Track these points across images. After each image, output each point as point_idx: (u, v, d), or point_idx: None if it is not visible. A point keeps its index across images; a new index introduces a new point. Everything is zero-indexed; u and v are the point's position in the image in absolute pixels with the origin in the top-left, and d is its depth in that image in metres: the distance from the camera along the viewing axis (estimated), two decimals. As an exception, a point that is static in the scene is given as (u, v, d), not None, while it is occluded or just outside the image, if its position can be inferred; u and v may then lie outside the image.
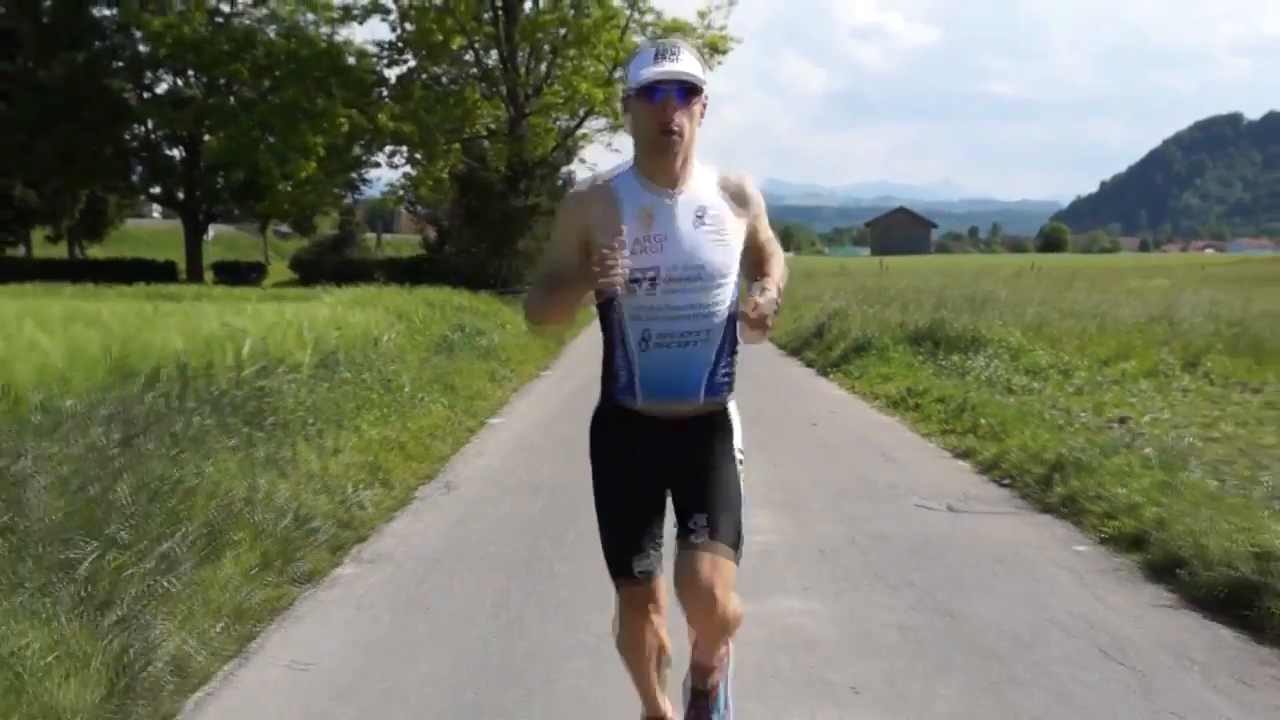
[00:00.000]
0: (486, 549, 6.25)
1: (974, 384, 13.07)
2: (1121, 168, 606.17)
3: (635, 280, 3.00)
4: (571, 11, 35.92)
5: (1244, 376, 13.80)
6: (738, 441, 3.30)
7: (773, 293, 3.09)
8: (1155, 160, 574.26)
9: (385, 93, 37.68)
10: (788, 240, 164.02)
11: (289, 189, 37.92)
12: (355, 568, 5.87)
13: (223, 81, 42.04)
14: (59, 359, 6.86)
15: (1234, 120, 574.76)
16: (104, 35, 45.58)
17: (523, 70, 36.21)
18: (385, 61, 37.49)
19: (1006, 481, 8.26)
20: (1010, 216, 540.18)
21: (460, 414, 10.95)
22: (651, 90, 2.96)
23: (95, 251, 57.08)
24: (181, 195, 47.15)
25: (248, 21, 43.27)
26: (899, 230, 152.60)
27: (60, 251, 57.46)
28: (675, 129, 2.97)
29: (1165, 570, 5.78)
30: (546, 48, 36.56)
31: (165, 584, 4.46)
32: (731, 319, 3.15)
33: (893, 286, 30.44)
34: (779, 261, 3.33)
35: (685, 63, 2.98)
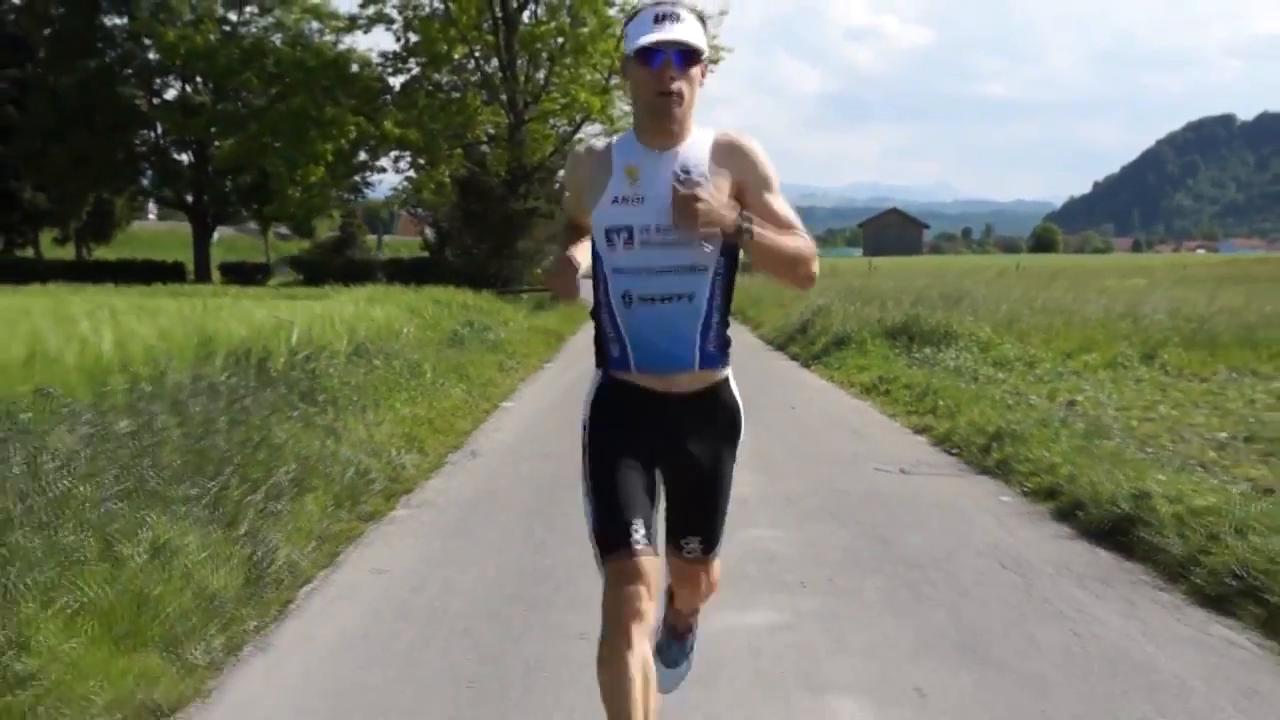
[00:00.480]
0: (511, 498, 7.58)
1: (941, 373, 14.34)
2: (1115, 168, 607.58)
3: (613, 234, 3.03)
4: (568, 21, 37.31)
5: (1197, 368, 15.00)
6: (741, 434, 3.29)
7: (730, 206, 2.99)
8: (1148, 161, 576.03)
9: (390, 100, 39.02)
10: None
11: (298, 194, 39.30)
12: (406, 511, 7.20)
13: (230, 88, 43.45)
14: (155, 342, 8.16)
15: (1226, 121, 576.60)
16: (115, 44, 47.01)
17: (522, 78, 37.62)
18: (390, 70, 38.87)
19: (954, 451, 9.58)
20: (1004, 217, 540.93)
21: (476, 397, 12.28)
22: (650, 54, 2.96)
23: (102, 253, 58.28)
24: (190, 198, 48.59)
25: (255, 30, 44.72)
26: (891, 231, 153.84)
27: (66, 253, 58.70)
28: (673, 92, 2.96)
29: (1069, 513, 7.09)
30: (545, 56, 37.93)
31: (273, 508, 5.77)
32: (720, 281, 3.10)
33: (878, 286, 31.77)
34: (793, 239, 3.10)
35: (685, 26, 2.97)
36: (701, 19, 3.07)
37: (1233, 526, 5.83)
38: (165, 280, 38.60)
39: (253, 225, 67.77)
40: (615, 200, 3.04)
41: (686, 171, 2.98)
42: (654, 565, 3.01)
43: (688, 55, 2.97)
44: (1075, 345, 17.20)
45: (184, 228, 69.87)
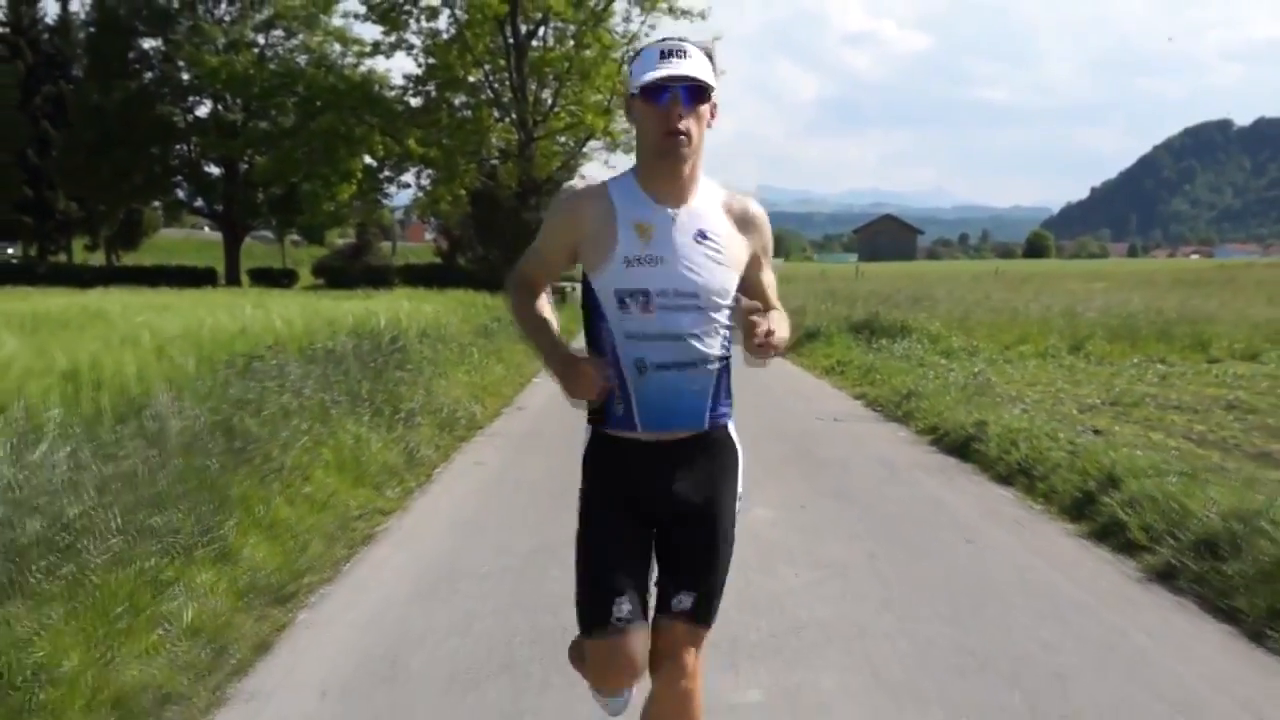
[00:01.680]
0: (549, 434, 10.78)
1: (887, 358, 17.58)
2: (1113, 174, 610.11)
3: (627, 297, 2.86)
4: (574, 46, 40.72)
5: (1116, 357, 18.21)
6: (740, 483, 3.14)
7: (781, 316, 3.00)
8: (1146, 166, 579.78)
9: (411, 119, 42.34)
10: (778, 247, 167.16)
11: (331, 207, 42.76)
12: (484, 437, 10.47)
13: (263, 109, 47.05)
14: (296, 324, 11.44)
15: (1224, 126, 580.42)
16: (151, 65, 50.56)
17: (531, 99, 41.04)
18: (411, 92, 42.24)
19: (877, 408, 12.82)
20: (1002, 223, 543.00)
21: (512, 374, 15.53)
22: (657, 91, 2.80)
23: (129, 259, 61.55)
24: (220, 208, 52.13)
25: (280, 52, 48.32)
26: (886, 237, 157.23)
27: (96, 259, 61.98)
28: (681, 132, 2.80)
29: (938, 440, 10.30)
30: (552, 78, 41.29)
31: (414, 420, 9.06)
32: (729, 340, 3.00)
33: (857, 289, 35.20)
34: (783, 317, 3.04)
35: (693, 63, 2.81)
36: (710, 56, 2.89)
37: (1028, 440, 9.03)
38: (199, 284, 41.75)
39: (267, 233, 71.22)
40: (629, 261, 2.85)
41: (755, 323, 2.83)
42: (639, 638, 2.97)
43: (696, 92, 2.81)
44: (1014, 338, 20.49)
45: (201, 235, 73.35)
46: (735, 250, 2.95)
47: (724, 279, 2.93)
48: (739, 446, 3.14)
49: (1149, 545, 6.11)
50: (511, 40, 40.07)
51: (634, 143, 3.00)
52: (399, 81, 43.73)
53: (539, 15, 40.20)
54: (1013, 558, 6.27)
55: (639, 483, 3.02)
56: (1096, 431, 9.79)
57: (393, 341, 12.83)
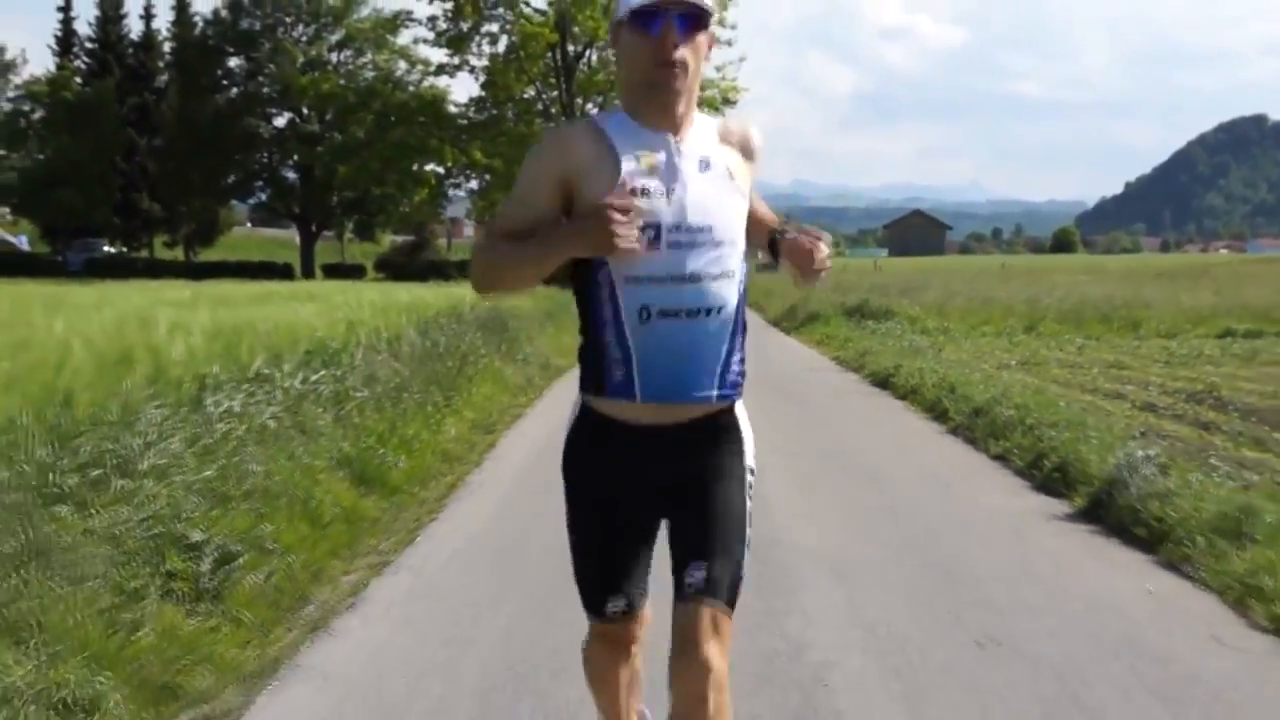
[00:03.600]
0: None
1: (866, 334, 22.43)
2: (1148, 168, 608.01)
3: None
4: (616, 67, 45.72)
5: (1061, 335, 22.81)
6: (749, 457, 2.82)
7: (816, 230, 2.74)
8: (1180, 161, 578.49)
9: (475, 131, 47.61)
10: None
11: (407, 210, 48.39)
12: (569, 375, 15.48)
13: (340, 121, 52.81)
14: (430, 301, 16.43)
15: (1258, 121, 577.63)
16: (238, 81, 56.40)
17: (579, 114, 46.03)
18: (473, 109, 47.44)
19: (843, 364, 17.76)
20: (1037, 218, 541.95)
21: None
22: (648, 18, 2.46)
23: (206, 255, 67.07)
24: (297, 210, 57.83)
25: (352, 68, 54.05)
26: (915, 232, 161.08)
27: (175, 255, 67.54)
28: (676, 62, 2.47)
29: (871, 378, 15.21)
30: (598, 95, 46.28)
31: (528, 362, 14.13)
32: (744, 291, 2.67)
33: (863, 282, 40.00)
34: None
35: None
36: None
37: (933, 382, 13.90)
38: (278, 278, 46.80)
39: (326, 231, 77.01)
40: (635, 192, 2.47)
41: (798, 228, 2.67)
42: (639, 619, 2.87)
43: (692, 19, 2.47)
44: (980, 320, 25.34)
45: (261, 233, 79.10)
46: (741, 178, 2.65)
47: (738, 209, 2.62)
48: (747, 428, 2.84)
49: (953, 416, 11.06)
50: (561, 64, 45.10)
51: (620, 108, 2.66)
52: (459, 96, 49.29)
53: (586, 40, 45.16)
54: (879, 424, 11.30)
55: (625, 480, 2.71)
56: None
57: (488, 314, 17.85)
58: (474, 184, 49.43)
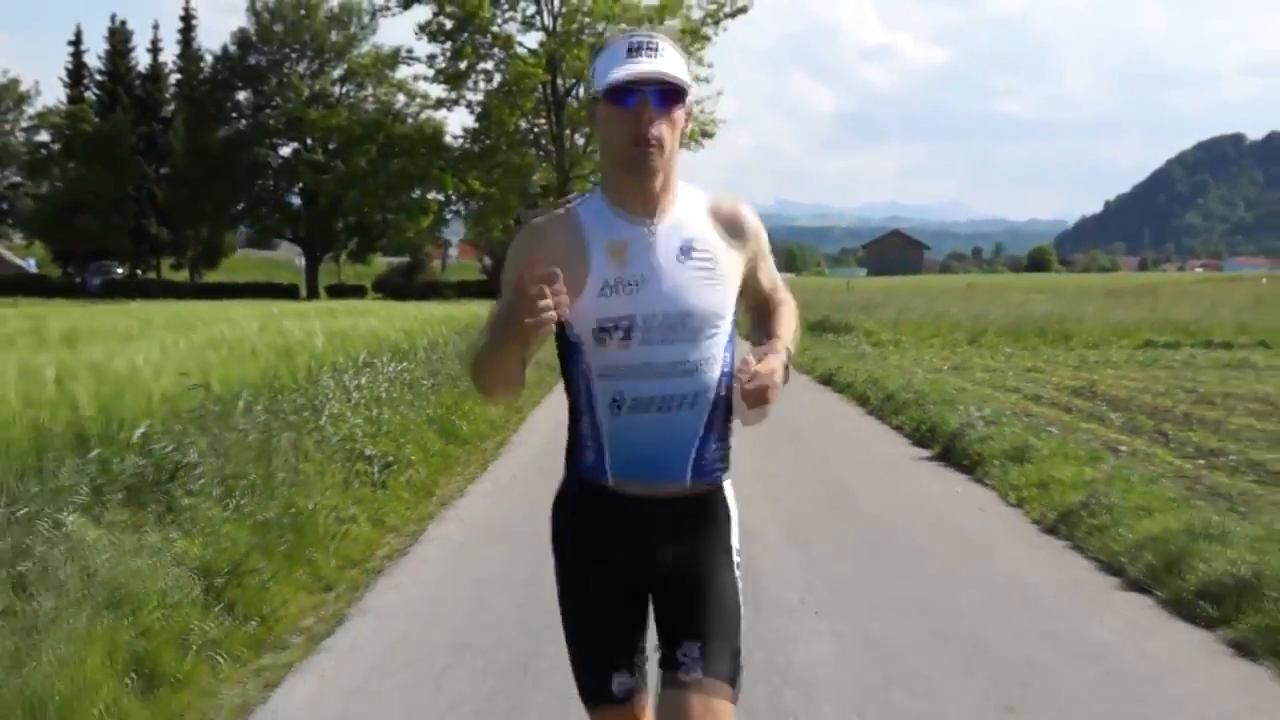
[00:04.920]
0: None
1: (824, 344, 25.66)
2: (1128, 188, 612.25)
3: (605, 330, 2.46)
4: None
5: (1003, 346, 26.01)
6: (734, 538, 2.70)
7: (778, 357, 2.57)
8: (1159, 180, 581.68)
9: (470, 162, 51.00)
10: (793, 262, 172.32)
11: (410, 234, 51.92)
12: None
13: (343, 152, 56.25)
14: (431, 321, 19.56)
15: (1236, 140, 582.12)
16: (245, 114, 59.86)
17: (568, 145, 49.44)
18: (469, 141, 50.82)
19: (798, 368, 20.98)
20: (1018, 237, 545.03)
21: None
22: (624, 93, 2.39)
23: (210, 276, 70.03)
24: (302, 234, 61.16)
25: (353, 101, 57.58)
26: (893, 252, 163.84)
27: (180, 277, 70.46)
28: (652, 140, 2.40)
29: (830, 383, 18.46)
30: (586, 129, 49.61)
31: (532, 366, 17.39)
32: (727, 378, 2.57)
33: (838, 300, 43.02)
34: (789, 314, 2.79)
35: (666, 60, 2.41)
36: (685, 50, 2.54)
37: (863, 379, 17.14)
38: (283, 298, 49.30)
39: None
40: (604, 289, 2.45)
41: (764, 355, 2.51)
42: (643, 703, 2.65)
43: (669, 94, 2.41)
44: (930, 334, 28.59)
45: (260, 254, 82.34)
46: (728, 263, 2.55)
47: (717, 298, 2.52)
48: (733, 506, 2.69)
49: (872, 401, 14.31)
50: (551, 99, 48.46)
51: (597, 191, 2.60)
52: (455, 128, 53.02)
53: (574, 77, 48.48)
54: (816, 408, 14.57)
55: (613, 544, 2.60)
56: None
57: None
58: (466, 208, 52.80)
